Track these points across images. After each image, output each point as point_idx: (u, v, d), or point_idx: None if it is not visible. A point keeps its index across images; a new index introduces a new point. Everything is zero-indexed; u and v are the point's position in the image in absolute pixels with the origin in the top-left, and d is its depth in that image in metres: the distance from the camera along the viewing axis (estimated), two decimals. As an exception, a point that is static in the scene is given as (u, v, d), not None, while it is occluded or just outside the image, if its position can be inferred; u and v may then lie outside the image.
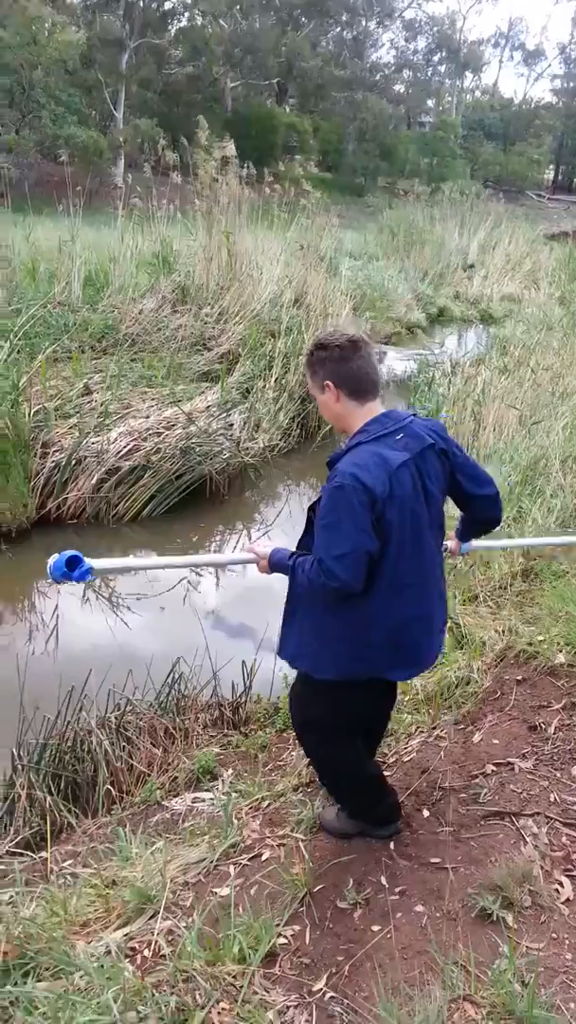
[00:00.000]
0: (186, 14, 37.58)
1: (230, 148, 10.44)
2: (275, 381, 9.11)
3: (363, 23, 44.36)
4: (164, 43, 35.17)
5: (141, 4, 33.00)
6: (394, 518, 2.07)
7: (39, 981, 2.03)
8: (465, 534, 2.68)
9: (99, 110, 32.05)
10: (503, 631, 3.85)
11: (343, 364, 2.17)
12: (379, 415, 2.21)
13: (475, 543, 2.87)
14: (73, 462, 6.82)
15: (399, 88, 48.73)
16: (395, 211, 23.54)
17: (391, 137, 42.08)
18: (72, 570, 2.22)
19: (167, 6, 36.55)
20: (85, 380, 7.83)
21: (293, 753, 3.45)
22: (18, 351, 7.63)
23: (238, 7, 37.74)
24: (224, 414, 8.08)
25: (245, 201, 11.00)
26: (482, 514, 2.45)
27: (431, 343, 15.10)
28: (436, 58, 51.26)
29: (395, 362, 13.34)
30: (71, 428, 7.10)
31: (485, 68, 57.36)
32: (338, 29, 45.04)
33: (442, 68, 52.52)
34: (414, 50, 50.09)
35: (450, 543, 2.69)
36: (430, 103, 52.92)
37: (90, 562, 2.24)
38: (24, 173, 19.19)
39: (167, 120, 32.21)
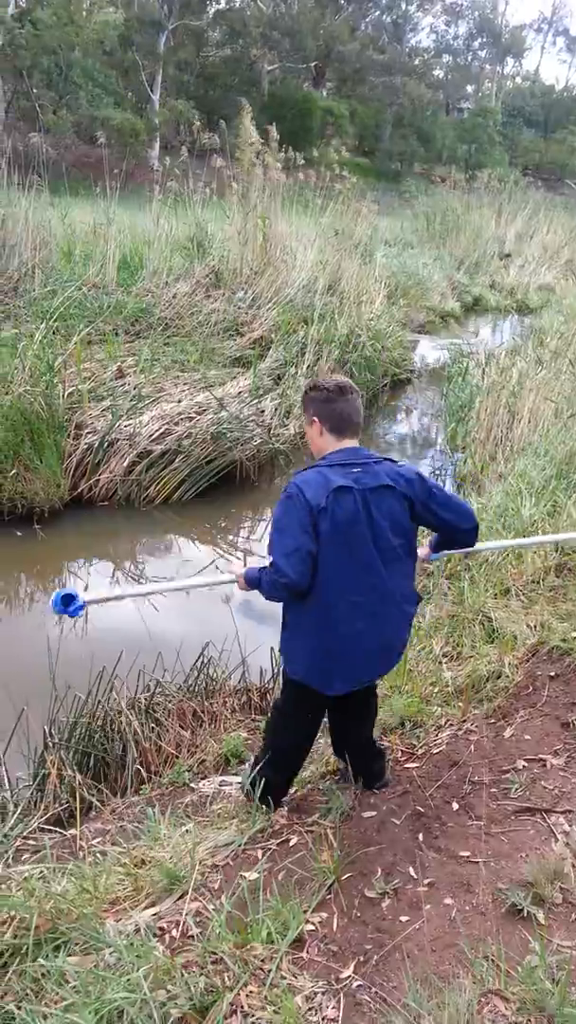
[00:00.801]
0: (225, -5, 37.34)
1: (272, 132, 10.35)
2: (307, 368, 9.07)
3: (403, 7, 43.75)
4: (202, 25, 34.97)
5: (180, -16, 32.80)
6: (326, 529, 2.38)
7: (69, 956, 2.06)
8: (438, 548, 2.94)
9: (136, 92, 31.98)
10: (535, 626, 3.81)
11: (328, 405, 2.54)
12: (346, 449, 2.55)
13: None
14: (106, 444, 6.85)
15: (438, 73, 48.01)
16: (431, 198, 23.26)
17: (429, 123, 41.51)
18: (67, 606, 2.57)
19: (206, -13, 36.29)
20: (119, 363, 7.86)
21: (320, 740, 3.45)
22: (53, 332, 7.67)
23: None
24: (255, 400, 8.07)
25: (281, 185, 10.93)
26: (461, 543, 2.82)
27: (465, 332, 14.94)
28: (477, 43, 50.45)
29: (428, 351, 13.23)
30: (104, 410, 7.14)
31: (527, 54, 56.31)
32: (377, 13, 44.44)
33: (482, 53, 51.64)
34: (454, 35, 49.39)
35: (420, 551, 2.85)
36: (469, 89, 52.11)
37: (82, 597, 2.61)
38: (61, 154, 19.22)
39: (203, 103, 32.10)
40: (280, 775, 2.76)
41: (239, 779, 3.22)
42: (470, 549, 3.06)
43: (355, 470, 2.47)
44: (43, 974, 2.00)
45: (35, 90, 28.38)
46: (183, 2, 32.30)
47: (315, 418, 2.57)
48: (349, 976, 1.91)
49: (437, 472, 8.24)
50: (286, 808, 2.80)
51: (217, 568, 6.08)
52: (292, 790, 3.02)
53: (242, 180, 10.82)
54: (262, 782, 2.72)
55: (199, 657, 4.10)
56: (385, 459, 2.59)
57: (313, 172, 13.54)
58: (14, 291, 8.62)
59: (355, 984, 1.88)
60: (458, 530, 2.68)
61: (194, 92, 34.03)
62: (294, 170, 12.93)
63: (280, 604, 2.58)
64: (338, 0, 40.91)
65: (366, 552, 2.44)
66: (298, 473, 2.54)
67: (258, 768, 2.77)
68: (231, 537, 6.96)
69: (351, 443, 2.57)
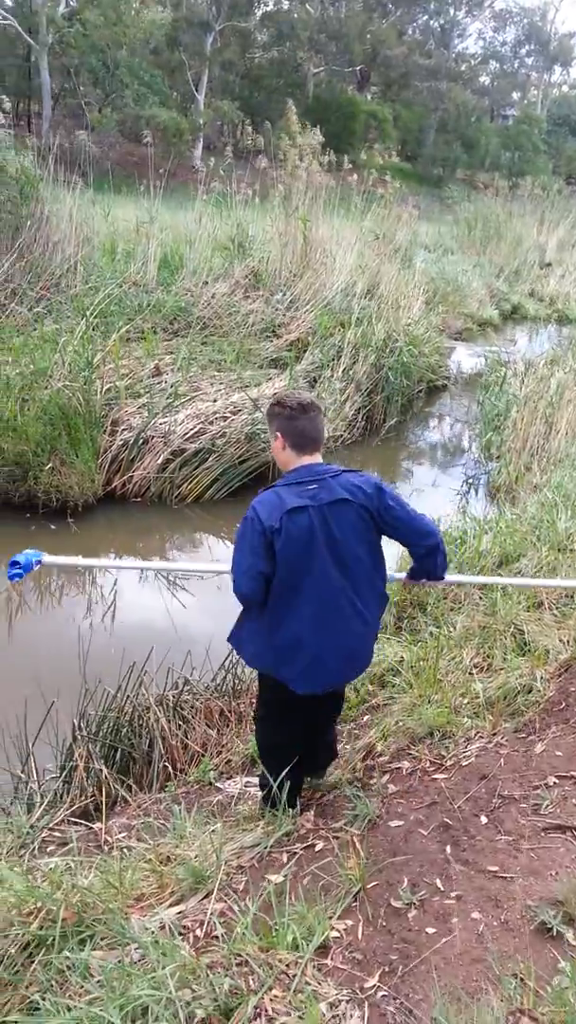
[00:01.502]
0: (273, -2, 37.44)
1: (317, 135, 10.35)
2: (343, 371, 9.06)
3: (451, 12, 43.52)
4: (250, 26, 35.10)
5: (229, -14, 32.96)
6: (281, 548, 2.51)
7: (94, 950, 2.07)
8: (412, 575, 2.97)
9: (181, 92, 32.20)
10: (569, 641, 3.76)
11: (291, 422, 2.62)
12: (303, 467, 2.63)
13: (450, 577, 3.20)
14: (141, 441, 6.91)
15: (484, 79, 47.71)
16: (473, 204, 23.10)
17: (473, 129, 41.29)
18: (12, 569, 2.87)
19: (255, -11, 36.44)
20: (156, 361, 7.91)
21: (347, 746, 3.44)
22: (93, 329, 7.74)
23: (326, -8, 37.47)
24: (291, 402, 8.06)
25: (324, 188, 10.93)
26: (420, 562, 2.85)
27: (503, 341, 14.81)
28: (524, 50, 49.99)
29: (464, 358, 13.14)
30: (140, 408, 7.19)
31: (575, 62, 55.63)
32: (425, 17, 44.28)
33: (530, 60, 51.19)
34: (502, 41, 48.99)
35: (399, 574, 3.02)
36: (515, 96, 51.66)
37: (43, 559, 2.97)
38: (105, 152, 19.41)
39: (248, 104, 32.21)
40: (275, 774, 2.72)
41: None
42: (440, 582, 3.09)
43: (312, 487, 2.58)
44: (68, 966, 2.01)
45: (82, 88, 28.73)
46: (231, 3, 32.46)
47: (278, 433, 2.66)
48: (374, 986, 1.89)
49: (471, 480, 8.18)
50: (312, 812, 2.79)
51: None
52: (319, 795, 3.01)
53: (285, 182, 10.84)
54: (267, 788, 2.77)
55: (227, 657, 4.11)
56: (345, 471, 2.68)
57: (355, 175, 13.52)
58: (56, 287, 8.72)
59: (380, 994, 1.87)
60: (414, 546, 2.77)
61: (239, 93, 34.17)
62: (337, 173, 12.93)
63: None
64: (386, 4, 40.83)
65: (323, 566, 2.55)
66: (260, 492, 2.66)
67: (262, 775, 2.88)
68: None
69: (311, 459, 2.66)
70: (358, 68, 39.19)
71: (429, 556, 2.79)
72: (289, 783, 2.68)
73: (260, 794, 2.93)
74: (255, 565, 2.54)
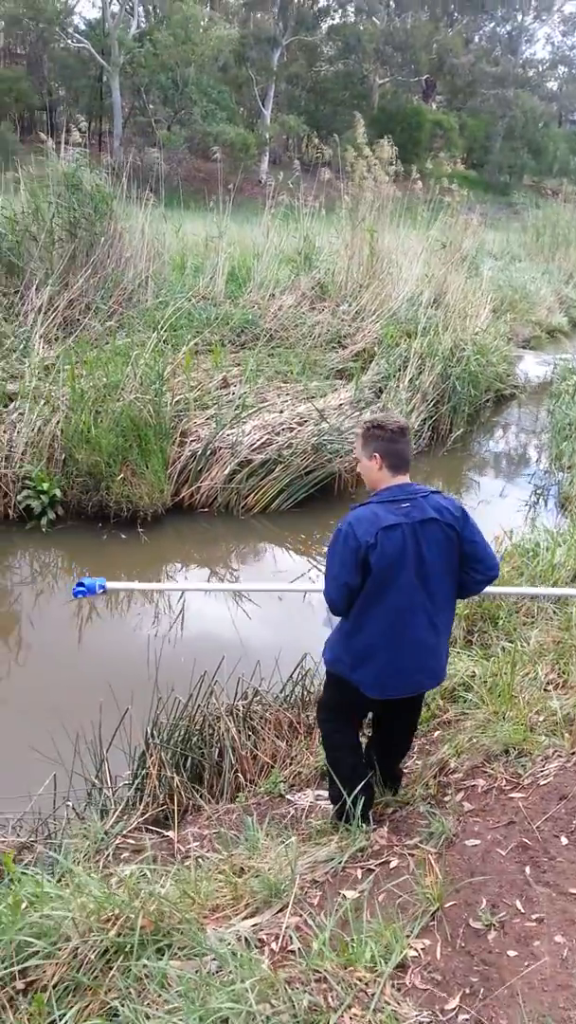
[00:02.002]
0: (339, 11, 37.63)
1: (387, 148, 10.35)
2: (409, 382, 9.00)
3: (519, 18, 43.04)
4: (316, 40, 35.38)
5: (295, 1, 33.31)
6: (376, 561, 2.63)
7: (171, 960, 2.09)
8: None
9: (248, 107, 32.65)
10: None
11: (391, 444, 2.78)
12: (396, 486, 2.77)
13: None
14: (208, 452, 6.98)
15: (552, 84, 46.97)
16: (541, 211, 22.72)
17: (540, 135, 40.66)
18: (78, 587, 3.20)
19: (321, 3, 36.73)
20: (224, 373, 8.01)
21: (418, 762, 3.40)
22: (163, 342, 7.88)
23: (392, 3, 37.47)
24: (356, 412, 8.05)
25: (390, 199, 10.91)
26: (472, 588, 2.94)
27: (573, 348, 14.50)
28: (594, 53, 49.01)
29: (532, 366, 12.91)
30: (208, 419, 7.28)
31: None
32: (492, 24, 43.89)
33: (600, 64, 50.16)
34: (571, 45, 48.10)
35: None
36: (584, 100, 50.67)
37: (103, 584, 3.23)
38: (174, 168, 19.79)
39: (313, 118, 32.43)
40: (347, 785, 2.80)
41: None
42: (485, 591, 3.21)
43: (404, 505, 2.71)
44: (146, 975, 2.04)
45: (151, 106, 29.42)
46: (298, 18, 32.81)
47: (376, 454, 2.79)
48: (456, 1008, 1.86)
49: (540, 491, 8.01)
50: (385, 828, 2.76)
51: (311, 580, 6.07)
52: (391, 810, 2.98)
53: (352, 193, 10.86)
54: (339, 802, 2.84)
55: (296, 668, 4.11)
56: (434, 492, 2.82)
57: (421, 185, 13.47)
58: (128, 301, 8.91)
59: (461, 1017, 1.83)
60: (479, 573, 2.84)
61: (305, 107, 34.45)
62: (403, 183, 12.90)
63: None
64: (452, 13, 40.65)
65: (408, 580, 2.67)
66: (353, 508, 2.78)
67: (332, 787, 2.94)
68: (326, 549, 6.95)
69: (403, 479, 2.81)
70: (424, 78, 39.08)
71: (481, 585, 2.91)
72: (363, 798, 2.71)
73: (332, 808, 2.97)
74: (342, 576, 2.69)
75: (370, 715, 3.17)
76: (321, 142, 11.65)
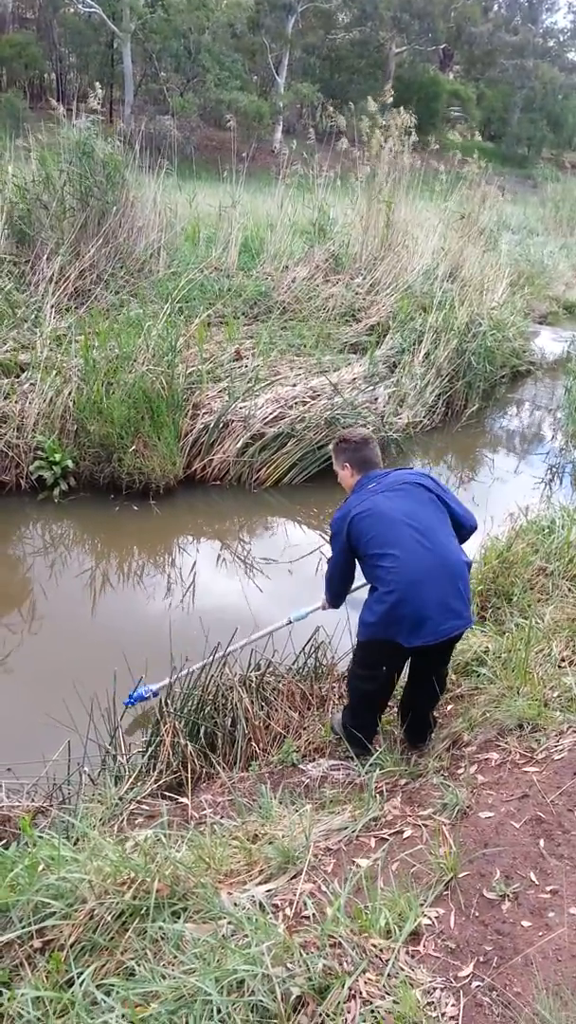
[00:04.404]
0: (356, -24, 36.83)
1: (406, 118, 10.17)
2: (424, 356, 8.92)
3: (540, -16, 42.12)
4: (331, 7, 34.69)
5: (312, -33, 32.65)
6: (364, 531, 3.07)
7: (187, 922, 2.11)
8: None
9: (261, 75, 32.13)
10: None
11: (356, 453, 3.33)
12: (364, 477, 3.29)
13: None
14: (221, 425, 6.95)
15: (573, 55, 46.02)
16: (560, 184, 22.36)
17: (560, 106, 39.91)
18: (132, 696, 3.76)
19: (337, -31, 35.95)
20: (237, 345, 7.94)
21: (431, 736, 3.40)
22: (177, 313, 7.82)
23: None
24: (370, 387, 8.00)
25: (407, 169, 10.74)
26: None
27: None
28: (617, 21, 47.99)
29: (549, 342, 12.77)
30: (221, 391, 7.24)
31: None
32: (513, -9, 42.98)
33: (622, 33, 49.07)
34: (593, 13, 47.11)
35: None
36: (605, 70, 49.66)
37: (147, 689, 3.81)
38: (187, 137, 19.53)
39: (328, 86, 31.91)
40: (362, 717, 3.31)
41: (346, 764, 3.23)
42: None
43: (372, 485, 3.21)
44: (162, 936, 2.06)
45: (163, 74, 28.98)
46: (314, -17, 32.18)
47: (346, 463, 3.35)
48: (469, 975, 1.87)
49: (555, 469, 7.96)
50: (398, 799, 2.78)
51: (322, 553, 6.06)
52: (404, 782, 2.99)
53: (368, 163, 10.69)
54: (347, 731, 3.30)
55: (308, 640, 4.11)
56: (396, 469, 3.33)
57: (438, 156, 13.25)
58: (140, 272, 8.83)
59: (475, 984, 1.85)
60: (462, 527, 3.24)
61: (319, 75, 33.88)
62: (419, 154, 12.69)
63: None
64: (472, -21, 39.77)
65: (403, 529, 3.01)
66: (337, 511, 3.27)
67: (345, 719, 3.36)
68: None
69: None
70: (441, 47, 38.32)
71: (470, 534, 3.34)
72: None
73: (345, 741, 3.32)
74: (335, 561, 3.37)
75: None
76: (336, 111, 11.40)
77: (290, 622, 4.06)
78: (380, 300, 9.75)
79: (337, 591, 3.52)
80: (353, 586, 3.58)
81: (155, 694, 3.66)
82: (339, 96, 29.19)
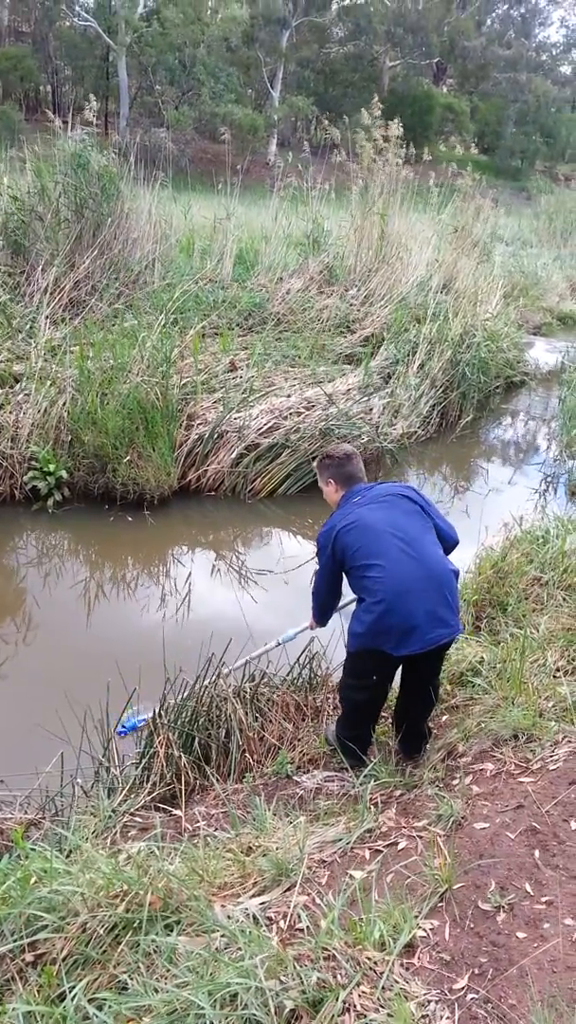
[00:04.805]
0: (350, -8, 37.23)
1: (395, 129, 10.25)
2: (418, 367, 8.96)
3: (533, 0, 42.53)
4: (325, 21, 35.00)
5: (306, -19, 32.93)
6: (350, 543, 3.08)
7: (180, 935, 2.09)
8: None
9: (256, 88, 32.35)
10: None
11: (339, 469, 3.36)
12: (349, 491, 3.32)
13: None
14: (216, 435, 6.96)
15: (566, 69, 46.47)
16: (553, 196, 22.53)
17: (553, 119, 40.24)
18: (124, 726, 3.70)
19: (332, -17, 36.29)
20: (231, 356, 7.96)
21: (426, 747, 3.40)
22: (172, 324, 7.84)
23: (403, -16, 37.00)
24: (365, 398, 8.02)
25: (401, 181, 10.81)
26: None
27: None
28: (609, 37, 48.41)
29: (543, 353, 12.83)
30: (215, 402, 7.25)
31: None
32: (505, 7, 43.37)
33: (615, 48, 49.54)
34: (585, 28, 47.59)
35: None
36: (598, 84, 50.11)
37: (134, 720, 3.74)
38: (181, 149, 19.63)
39: (323, 99, 32.13)
40: (356, 729, 3.32)
41: (341, 775, 3.22)
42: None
43: (357, 499, 3.24)
44: (155, 950, 2.04)
45: (158, 87, 29.14)
46: (308, -1, 32.47)
47: (330, 480, 3.38)
48: (464, 987, 1.86)
49: (549, 479, 7.98)
50: (393, 810, 2.77)
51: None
52: (398, 793, 2.98)
53: (362, 176, 10.76)
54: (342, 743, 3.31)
55: (303, 651, 4.10)
56: (379, 483, 3.37)
57: (432, 168, 13.34)
58: (135, 283, 8.86)
59: (470, 996, 1.83)
60: (444, 541, 3.24)
61: (314, 88, 34.12)
62: (413, 166, 12.77)
63: None
64: (465, -6, 40.20)
65: (388, 540, 3.03)
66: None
67: (339, 730, 3.38)
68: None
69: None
70: (435, 60, 38.65)
71: (452, 549, 3.32)
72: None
73: (340, 753, 3.34)
74: (322, 575, 3.40)
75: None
76: (330, 124, 11.49)
77: (279, 644, 4.03)
78: (374, 311, 9.79)
79: (324, 607, 3.55)
80: (341, 603, 3.61)
81: (146, 722, 3.68)
82: (333, 109, 29.39)
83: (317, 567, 3.40)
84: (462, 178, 12.63)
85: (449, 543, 3.27)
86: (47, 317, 7.62)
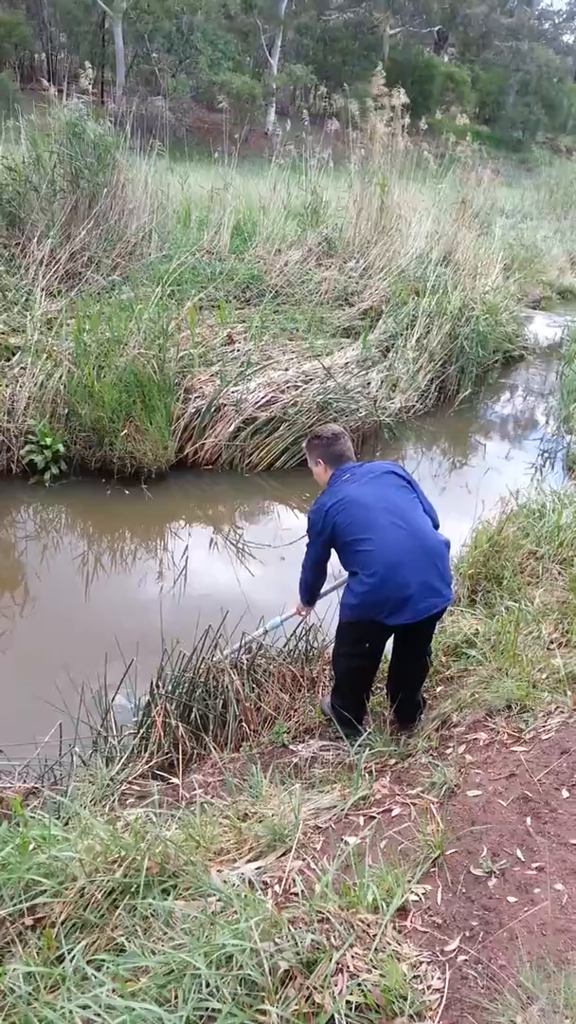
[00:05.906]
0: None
1: (400, 97, 10.09)
2: (416, 340, 8.90)
3: (536, -35, 41.75)
4: (325, -13, 34.31)
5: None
6: (341, 520, 3.13)
7: (177, 899, 2.13)
8: None
9: (254, 56, 31.78)
10: None
11: (328, 448, 3.37)
12: (338, 470, 3.33)
13: None
14: (213, 409, 6.93)
15: (568, 38, 45.75)
16: (555, 168, 22.27)
17: (555, 90, 39.65)
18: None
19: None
20: (229, 329, 7.91)
21: (421, 716, 3.43)
22: (168, 296, 7.78)
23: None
24: (363, 371, 7.98)
25: (401, 152, 10.67)
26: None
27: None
28: (613, 4, 47.59)
29: (542, 328, 12.75)
30: (213, 376, 7.21)
31: None
32: (508, -28, 42.55)
33: (619, 15, 48.69)
34: (589, -5, 46.72)
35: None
36: (601, 54, 49.32)
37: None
38: (179, 118, 19.34)
39: (322, 68, 31.61)
40: (350, 698, 3.37)
41: (336, 745, 3.25)
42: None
43: (346, 477, 3.27)
44: (152, 913, 2.08)
45: (155, 54, 28.61)
46: (307, -36, 31.80)
47: (319, 459, 3.38)
48: (455, 949, 1.90)
49: (547, 454, 7.98)
50: (387, 778, 2.80)
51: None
52: (393, 761, 3.02)
53: (363, 145, 10.62)
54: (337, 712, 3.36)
55: (299, 624, 4.13)
56: (368, 462, 3.39)
57: (433, 138, 13.16)
58: (131, 255, 8.77)
59: (461, 958, 1.87)
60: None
61: (313, 57, 33.55)
62: (414, 136, 12.60)
63: None
64: (466, -41, 39.36)
65: (377, 514, 3.08)
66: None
67: (335, 701, 3.41)
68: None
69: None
70: (436, 28, 37.97)
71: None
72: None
73: (336, 723, 3.39)
74: (311, 552, 3.46)
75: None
76: (329, 92, 11.33)
77: (266, 632, 4.02)
78: (373, 284, 9.72)
79: (311, 585, 3.58)
80: (330, 586, 3.65)
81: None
82: (333, 78, 28.93)
83: (307, 545, 3.43)
84: (461, 147, 12.45)
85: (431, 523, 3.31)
86: (43, 289, 7.56)
